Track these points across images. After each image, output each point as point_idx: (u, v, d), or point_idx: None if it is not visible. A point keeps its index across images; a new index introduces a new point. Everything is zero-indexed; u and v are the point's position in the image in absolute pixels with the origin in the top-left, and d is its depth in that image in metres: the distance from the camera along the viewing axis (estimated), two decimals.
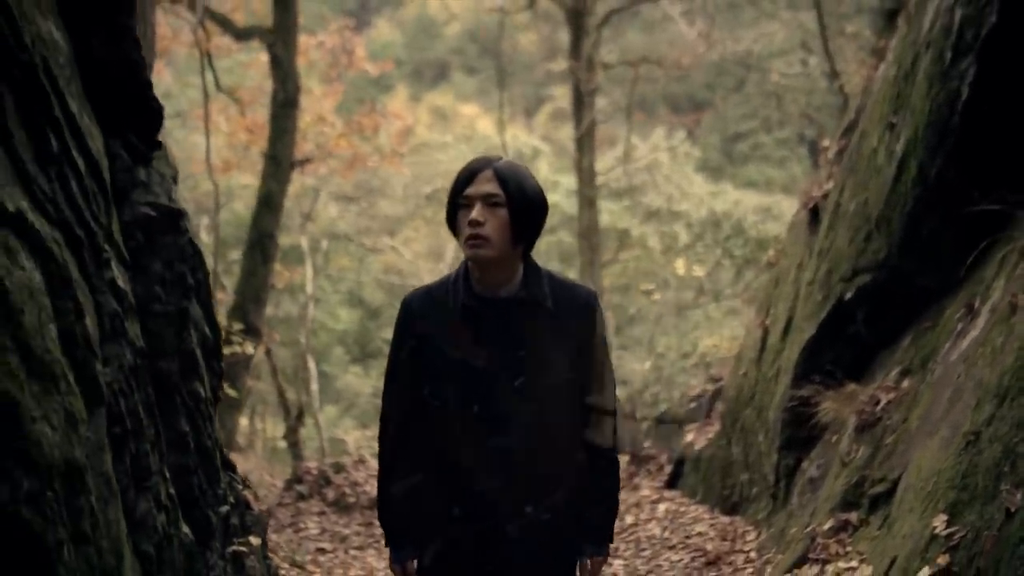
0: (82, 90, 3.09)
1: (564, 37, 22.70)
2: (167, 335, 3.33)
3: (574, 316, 2.70)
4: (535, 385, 2.64)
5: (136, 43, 3.34)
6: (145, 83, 3.46)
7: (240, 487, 4.02)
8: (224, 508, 3.67)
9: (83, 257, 2.73)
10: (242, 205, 21.15)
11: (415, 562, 2.79)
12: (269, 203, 12.06)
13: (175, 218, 3.47)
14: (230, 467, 4.03)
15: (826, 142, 8.93)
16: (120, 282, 2.96)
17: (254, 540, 3.90)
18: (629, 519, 8.05)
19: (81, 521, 2.26)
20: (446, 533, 2.68)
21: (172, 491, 3.13)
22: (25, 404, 2.07)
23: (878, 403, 5.02)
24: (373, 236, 22.75)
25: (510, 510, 2.64)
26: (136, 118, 3.44)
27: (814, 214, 7.35)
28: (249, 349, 10.78)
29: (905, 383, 4.91)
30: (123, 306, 2.94)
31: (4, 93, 2.41)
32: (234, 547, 3.65)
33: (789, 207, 20.26)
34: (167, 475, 3.11)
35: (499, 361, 2.64)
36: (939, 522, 3.43)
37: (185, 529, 3.22)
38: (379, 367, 22.03)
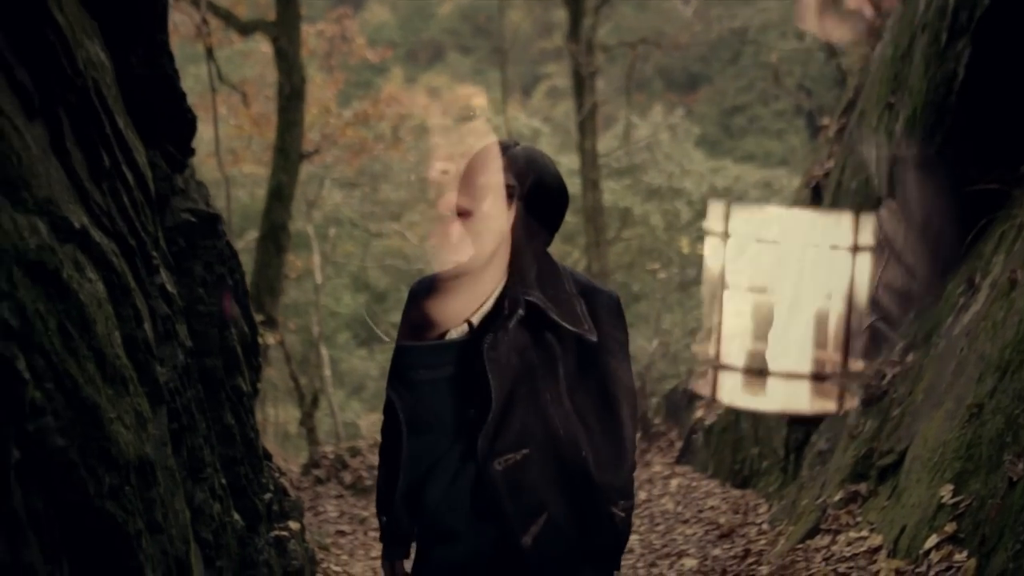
0: (123, 105, 3.25)
1: (559, 14, 22.72)
2: (211, 334, 3.49)
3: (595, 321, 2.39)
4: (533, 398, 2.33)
5: (171, 57, 3.49)
6: (180, 95, 3.61)
7: (277, 475, 4.20)
8: (267, 495, 3.85)
9: (136, 265, 2.89)
10: (244, 193, 21.26)
11: (404, 563, 2.57)
12: (280, 195, 12.11)
13: (213, 222, 3.64)
14: (268, 456, 4.21)
15: (826, 120, 9.05)
16: (168, 286, 3.12)
17: (294, 525, 4.08)
18: (642, 495, 8.20)
19: (154, 512, 2.44)
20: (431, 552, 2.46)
21: (224, 481, 3.31)
22: (104, 407, 2.24)
23: (884, 377, 5.15)
24: (377, 221, 22.80)
25: (491, 535, 2.36)
26: (172, 128, 3.60)
27: (816, 192, 7.49)
28: (270, 340, 10.91)
29: (910, 357, 5.01)
30: (172, 309, 3.11)
31: (62, 117, 2.57)
32: (276, 532, 3.84)
33: (789, 182, 20.37)
34: (218, 466, 3.29)
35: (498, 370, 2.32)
36: (945, 491, 3.55)
37: (236, 516, 3.40)
38: (385, 350, 22.16)
